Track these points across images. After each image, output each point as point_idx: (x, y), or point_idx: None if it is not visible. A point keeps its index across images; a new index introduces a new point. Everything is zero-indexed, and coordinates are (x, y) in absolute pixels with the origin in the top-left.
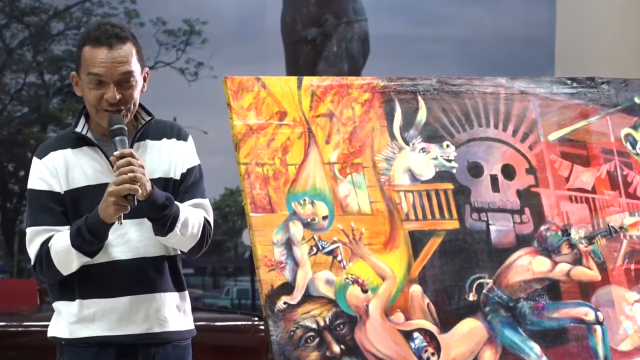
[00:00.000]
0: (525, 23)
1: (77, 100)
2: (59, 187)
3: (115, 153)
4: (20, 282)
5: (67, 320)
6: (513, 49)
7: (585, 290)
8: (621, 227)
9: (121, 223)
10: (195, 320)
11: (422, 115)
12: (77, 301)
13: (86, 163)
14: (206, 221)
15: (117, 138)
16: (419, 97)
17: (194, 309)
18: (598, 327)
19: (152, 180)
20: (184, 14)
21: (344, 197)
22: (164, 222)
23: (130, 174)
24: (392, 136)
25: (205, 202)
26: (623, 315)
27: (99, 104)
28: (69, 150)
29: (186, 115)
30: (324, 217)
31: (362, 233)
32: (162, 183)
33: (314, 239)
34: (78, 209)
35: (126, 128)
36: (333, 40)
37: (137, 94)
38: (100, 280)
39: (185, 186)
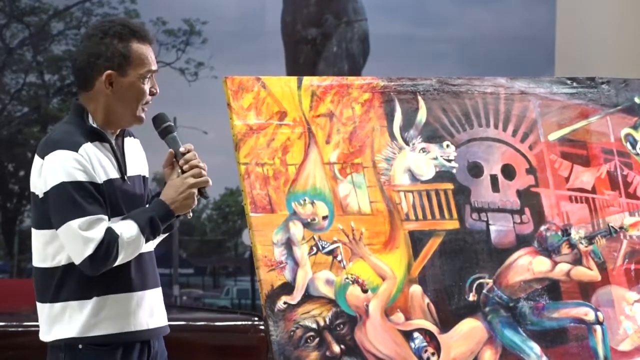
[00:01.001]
0: (525, 23)
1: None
2: (98, 179)
3: (180, 149)
4: (20, 282)
5: (84, 319)
6: (513, 49)
7: (585, 290)
8: (621, 227)
9: (191, 216)
10: (195, 320)
11: (422, 115)
12: (95, 299)
13: (102, 158)
14: None
15: (171, 135)
16: (419, 97)
17: (194, 309)
18: (598, 327)
19: (136, 177)
20: (184, 14)
21: (344, 197)
22: (173, 222)
23: (201, 165)
24: (392, 136)
25: None
26: (623, 315)
27: (144, 98)
28: (89, 144)
29: (186, 115)
30: (324, 217)
31: (362, 233)
32: (143, 181)
33: (314, 239)
34: (108, 201)
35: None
36: (333, 40)
37: None
38: (118, 275)
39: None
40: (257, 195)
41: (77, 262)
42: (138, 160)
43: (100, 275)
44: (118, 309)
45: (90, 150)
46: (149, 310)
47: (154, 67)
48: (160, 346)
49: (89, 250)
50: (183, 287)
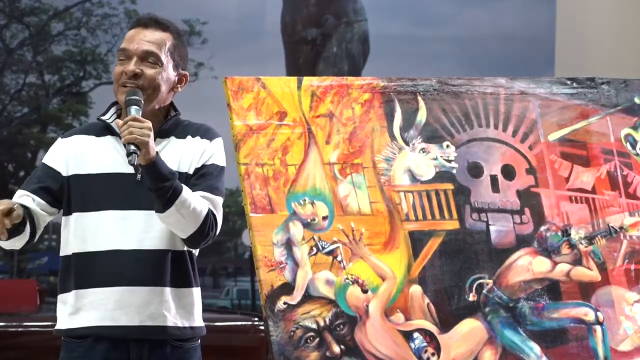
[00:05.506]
0: (525, 23)
1: (77, 100)
2: (64, 170)
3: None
4: (20, 282)
5: (65, 311)
6: (513, 49)
7: (585, 291)
8: (621, 228)
9: (7, 237)
10: None
11: (422, 116)
12: (73, 292)
13: (106, 152)
14: (211, 213)
15: (131, 107)
16: (419, 98)
17: None
18: (598, 328)
19: None
20: (184, 14)
21: (344, 197)
22: (162, 193)
23: (129, 136)
24: (392, 136)
25: (215, 198)
26: (623, 316)
27: (119, 79)
28: (92, 137)
29: (186, 116)
30: (324, 218)
31: (362, 233)
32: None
33: (314, 239)
34: (85, 195)
35: (142, 100)
36: (333, 41)
37: (161, 81)
38: (98, 270)
39: (195, 178)
40: (257, 196)
41: None
42: (176, 159)
43: (77, 269)
44: (93, 303)
45: (79, 142)
46: (129, 306)
47: (124, 45)
48: (160, 353)
49: None
50: None
